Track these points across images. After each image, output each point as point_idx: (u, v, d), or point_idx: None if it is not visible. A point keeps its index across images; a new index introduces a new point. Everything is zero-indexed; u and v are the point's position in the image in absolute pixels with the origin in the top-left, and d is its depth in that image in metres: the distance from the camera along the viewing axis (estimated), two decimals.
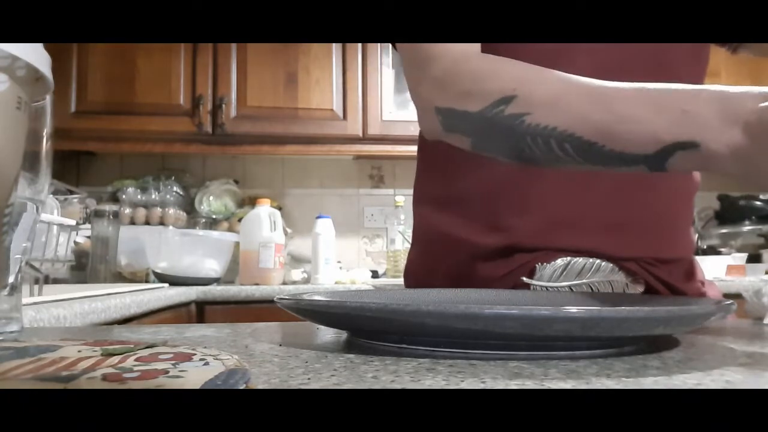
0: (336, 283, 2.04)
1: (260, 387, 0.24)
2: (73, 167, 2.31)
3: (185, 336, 0.41)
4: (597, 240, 0.58)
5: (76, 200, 1.82)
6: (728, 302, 0.36)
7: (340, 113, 2.16)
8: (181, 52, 2.10)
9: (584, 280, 0.57)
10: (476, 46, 0.51)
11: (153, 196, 2.18)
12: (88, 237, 1.80)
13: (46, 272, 0.86)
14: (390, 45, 2.24)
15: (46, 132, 0.41)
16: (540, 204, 0.59)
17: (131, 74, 2.08)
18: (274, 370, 0.28)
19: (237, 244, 2.00)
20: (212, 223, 2.26)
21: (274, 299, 0.40)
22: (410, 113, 2.21)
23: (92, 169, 2.34)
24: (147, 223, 2.12)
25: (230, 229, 2.18)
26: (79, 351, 0.27)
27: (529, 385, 0.25)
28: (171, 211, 2.15)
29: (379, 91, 2.19)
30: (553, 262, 0.58)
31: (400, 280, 2.18)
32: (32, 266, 0.83)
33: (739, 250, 2.30)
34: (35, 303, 0.79)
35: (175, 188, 2.24)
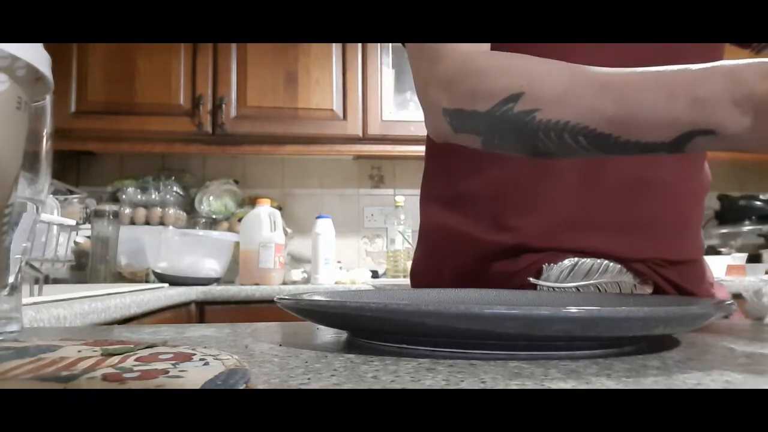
0: (336, 283, 2.04)
1: (260, 387, 0.24)
2: (73, 167, 2.31)
3: (185, 336, 0.41)
4: (605, 241, 0.58)
5: (76, 200, 1.82)
6: (728, 302, 0.36)
7: (340, 113, 2.16)
8: (181, 52, 2.10)
9: (592, 281, 0.57)
10: (485, 45, 0.51)
11: (153, 196, 2.18)
12: (88, 237, 1.80)
13: (46, 272, 0.86)
14: (390, 45, 2.24)
15: (46, 132, 0.41)
16: (548, 204, 0.59)
17: (131, 74, 2.08)
18: (274, 370, 0.28)
19: (237, 244, 2.00)
20: (212, 223, 2.26)
21: (274, 299, 0.40)
22: (410, 113, 2.21)
23: (92, 169, 2.34)
24: (147, 223, 2.12)
25: (230, 229, 2.18)
26: (79, 351, 0.27)
27: (529, 385, 0.25)
28: (171, 211, 2.15)
29: (379, 91, 2.19)
30: (560, 263, 0.57)
31: (400, 280, 2.17)
32: (32, 266, 0.83)
33: (739, 250, 2.30)
34: (35, 303, 0.79)
35: (175, 188, 2.24)
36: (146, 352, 0.27)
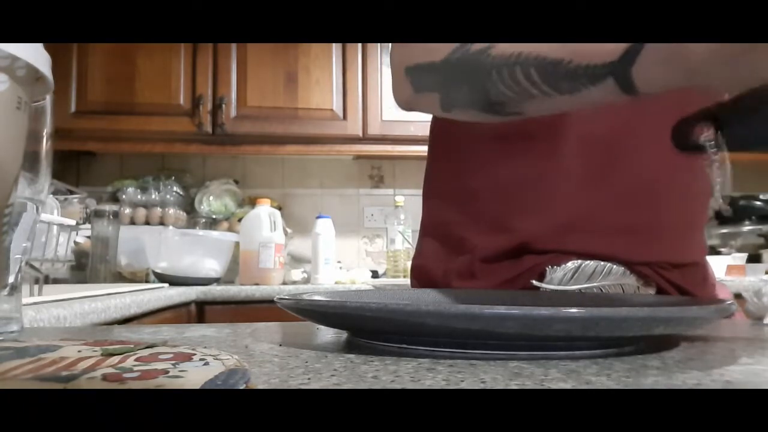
0: (336, 283, 2.04)
1: (260, 387, 0.24)
2: (73, 167, 2.31)
3: (185, 336, 0.41)
4: (609, 244, 0.57)
5: (76, 200, 1.82)
6: (728, 302, 0.36)
7: (340, 113, 2.16)
8: (181, 52, 2.10)
9: (595, 284, 0.56)
10: None
11: (153, 196, 2.18)
12: (88, 237, 1.80)
13: (46, 272, 0.86)
14: (390, 45, 2.23)
15: (46, 132, 0.41)
16: (552, 205, 0.58)
17: (131, 74, 2.08)
18: (274, 370, 0.28)
19: (237, 244, 2.00)
20: (212, 223, 2.26)
21: (274, 299, 0.40)
22: (410, 113, 2.21)
23: (92, 169, 2.34)
24: (147, 223, 2.12)
25: (230, 229, 2.18)
26: (79, 351, 0.27)
27: (529, 385, 0.25)
28: (171, 211, 2.15)
29: (379, 91, 2.19)
30: (563, 265, 0.57)
31: (400, 280, 2.17)
32: (32, 266, 0.83)
33: (739, 250, 2.30)
34: (35, 303, 0.79)
35: (175, 188, 2.24)
36: (146, 352, 0.27)
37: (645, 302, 0.47)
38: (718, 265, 2.07)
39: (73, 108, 2.03)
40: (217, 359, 0.25)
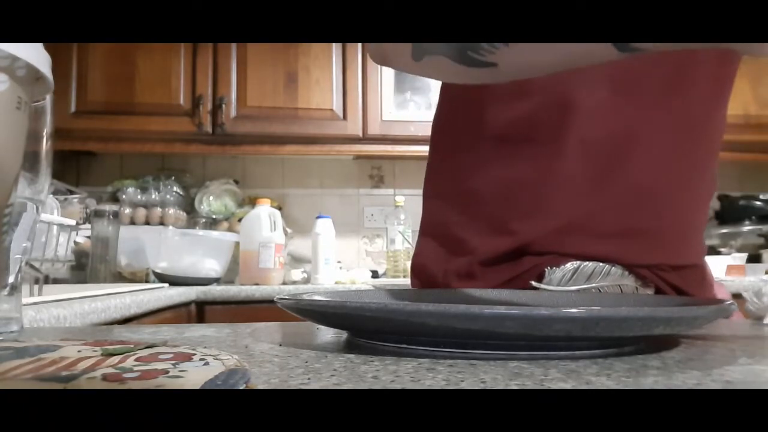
0: (336, 283, 2.04)
1: (260, 387, 0.24)
2: (73, 167, 2.31)
3: (185, 336, 0.41)
4: (609, 246, 0.57)
5: (76, 200, 1.82)
6: (728, 302, 0.36)
7: (340, 113, 2.16)
8: (181, 52, 2.10)
9: (593, 285, 0.56)
10: None
11: (153, 196, 2.18)
12: (88, 237, 1.80)
13: (46, 272, 0.86)
14: None
15: (46, 132, 0.41)
16: (552, 208, 0.58)
17: (131, 74, 2.08)
18: (274, 370, 0.28)
19: (237, 244, 2.00)
20: (212, 223, 2.26)
21: (274, 299, 0.40)
22: (410, 113, 2.21)
23: (92, 169, 2.34)
24: (147, 223, 2.12)
25: (230, 229, 2.18)
26: (79, 351, 0.27)
27: (529, 385, 0.25)
28: (171, 211, 2.15)
29: (379, 91, 2.19)
30: (562, 266, 0.57)
31: (400, 280, 2.18)
32: (32, 266, 0.83)
33: (739, 250, 2.30)
34: (35, 303, 0.79)
35: (175, 188, 2.24)
36: (146, 352, 0.27)
37: (645, 302, 0.47)
38: (718, 265, 2.07)
39: (73, 108, 2.03)
40: (217, 359, 0.25)
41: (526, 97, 0.59)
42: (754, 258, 2.31)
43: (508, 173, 0.60)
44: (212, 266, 1.92)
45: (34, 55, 0.32)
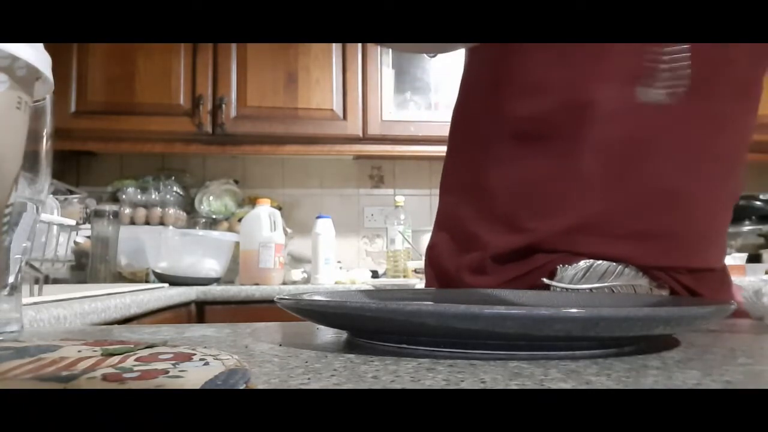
0: (336, 283, 2.04)
1: (260, 387, 0.24)
2: (73, 167, 2.31)
3: (185, 336, 0.41)
4: (624, 248, 0.56)
5: (76, 200, 1.82)
6: (728, 303, 0.36)
7: (340, 113, 2.16)
8: (181, 52, 2.10)
9: (606, 284, 0.56)
10: None
11: (153, 196, 2.18)
12: (88, 237, 1.80)
13: (46, 272, 0.86)
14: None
15: (46, 132, 0.41)
16: (567, 206, 0.57)
17: (131, 74, 2.08)
18: (274, 370, 0.28)
19: (237, 244, 2.00)
20: (212, 223, 2.26)
21: (274, 299, 0.40)
22: (410, 113, 2.21)
23: (92, 169, 2.34)
24: (147, 223, 2.12)
25: (230, 229, 2.18)
26: (79, 351, 0.27)
27: (529, 385, 0.25)
28: (171, 211, 2.15)
29: (379, 91, 2.19)
30: (575, 264, 0.56)
31: (400, 280, 2.17)
32: (32, 266, 0.83)
33: (739, 250, 2.30)
34: (35, 303, 0.79)
35: (175, 188, 2.24)
36: (146, 352, 0.27)
37: (645, 302, 0.47)
38: None
39: (73, 108, 2.03)
40: (217, 359, 0.25)
41: (545, 94, 0.58)
42: (754, 258, 2.30)
43: (524, 171, 0.59)
44: (212, 266, 1.92)
45: (34, 55, 0.32)
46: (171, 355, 0.26)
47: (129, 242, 1.86)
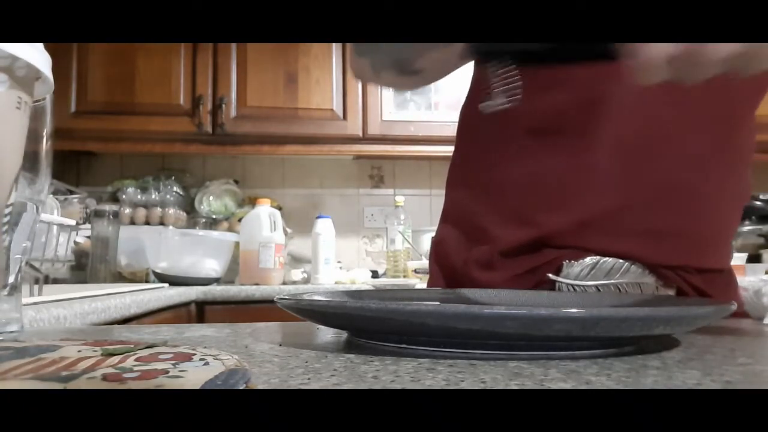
0: (336, 283, 2.04)
1: (260, 387, 0.24)
2: (73, 167, 2.31)
3: (185, 336, 0.41)
4: (632, 245, 0.56)
5: (76, 200, 1.82)
6: (728, 302, 0.36)
7: (340, 113, 2.16)
8: (181, 52, 2.10)
9: (612, 281, 0.56)
10: None
11: (153, 196, 2.18)
12: (88, 237, 1.80)
13: (46, 272, 0.86)
14: None
15: (46, 132, 0.41)
16: (576, 202, 0.57)
17: (131, 74, 2.08)
18: (274, 370, 0.28)
19: (237, 244, 2.00)
20: (212, 223, 2.26)
21: (274, 299, 0.40)
22: (410, 113, 2.21)
23: (92, 169, 2.34)
24: (147, 223, 2.12)
25: (230, 229, 2.18)
26: (79, 351, 0.27)
27: (529, 385, 0.25)
28: (171, 211, 2.15)
29: (379, 91, 2.19)
30: (581, 260, 0.56)
31: (400, 280, 2.17)
32: (32, 266, 0.83)
33: (739, 250, 2.30)
34: (35, 303, 0.79)
35: (175, 188, 2.24)
36: (146, 352, 0.27)
37: (645, 302, 0.47)
38: None
39: (73, 108, 2.03)
40: (217, 359, 0.25)
41: (559, 89, 0.58)
42: (754, 258, 2.30)
43: (536, 165, 0.59)
44: (212, 266, 1.92)
45: (34, 55, 0.32)
46: (171, 355, 0.26)
47: (129, 242, 1.86)
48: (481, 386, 0.25)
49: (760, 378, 0.27)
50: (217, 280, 1.95)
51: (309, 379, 0.26)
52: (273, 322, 0.51)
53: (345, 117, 2.16)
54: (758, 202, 2.23)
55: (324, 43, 2.16)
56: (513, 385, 0.25)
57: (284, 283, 1.99)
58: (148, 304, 1.23)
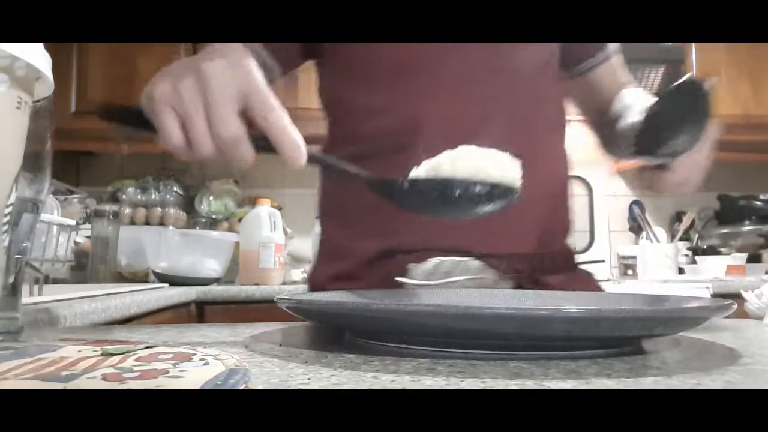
0: None
1: (260, 387, 0.24)
2: (73, 167, 2.31)
3: (185, 336, 0.41)
4: (466, 239, 0.63)
5: (76, 200, 1.82)
6: (728, 302, 0.36)
7: None
8: (181, 52, 2.10)
9: (453, 279, 0.62)
10: None
11: (153, 196, 2.18)
12: (88, 237, 1.80)
13: (46, 272, 0.86)
14: None
15: (46, 132, 0.41)
16: (408, 213, 0.62)
17: (131, 74, 2.07)
18: (274, 370, 0.28)
19: (237, 244, 1.99)
20: (212, 223, 2.26)
21: (274, 299, 0.40)
22: None
23: (92, 169, 2.34)
24: (147, 223, 2.12)
25: (230, 229, 2.18)
26: (79, 351, 0.27)
27: (529, 385, 0.25)
28: (171, 211, 2.15)
29: None
30: (424, 262, 0.63)
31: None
32: (32, 266, 0.83)
33: (739, 250, 2.30)
34: (35, 303, 0.79)
35: (175, 188, 2.24)
36: (146, 352, 0.27)
37: (645, 302, 0.47)
38: (718, 265, 2.07)
39: (73, 108, 2.03)
40: (217, 359, 0.25)
41: (376, 115, 0.67)
42: (754, 258, 2.30)
43: (360, 190, 0.63)
44: (212, 266, 1.91)
45: (34, 55, 0.32)
46: (171, 355, 0.26)
47: (129, 242, 1.85)
48: (481, 386, 0.25)
49: (760, 378, 0.28)
50: (217, 280, 1.95)
51: (309, 379, 0.26)
52: (273, 322, 0.51)
53: None
54: (758, 202, 2.24)
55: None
56: (513, 385, 0.25)
57: (284, 283, 1.99)
58: (148, 304, 1.23)
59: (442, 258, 0.63)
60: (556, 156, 0.72)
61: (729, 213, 2.27)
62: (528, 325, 0.29)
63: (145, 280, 1.85)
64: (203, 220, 2.26)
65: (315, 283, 0.76)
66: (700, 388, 0.25)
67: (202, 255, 1.89)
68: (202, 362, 0.24)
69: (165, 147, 0.41)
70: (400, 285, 0.63)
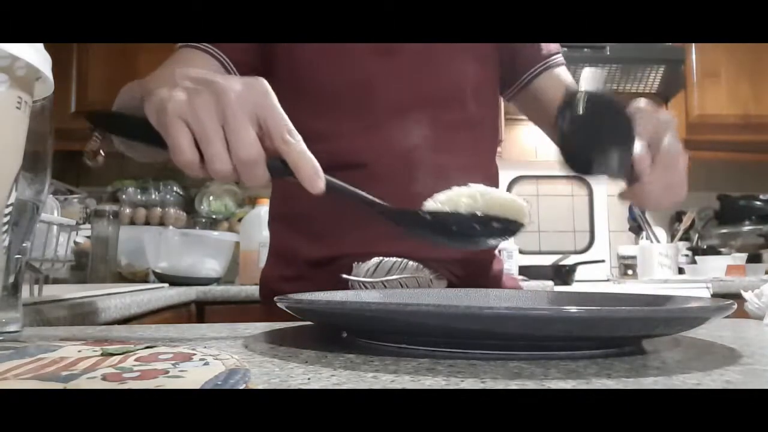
0: None
1: (260, 387, 0.24)
2: (73, 167, 2.31)
3: (185, 336, 0.41)
4: (406, 246, 0.67)
5: (76, 200, 1.82)
6: (728, 302, 0.36)
7: None
8: None
9: (394, 277, 0.67)
10: None
11: (153, 196, 2.18)
12: (88, 237, 1.80)
13: (46, 272, 0.86)
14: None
15: (46, 132, 0.41)
16: (360, 221, 0.63)
17: (131, 74, 2.07)
18: (274, 370, 0.28)
19: (237, 244, 1.99)
20: (212, 223, 2.26)
21: (275, 299, 0.40)
22: None
23: (92, 168, 2.34)
24: (147, 223, 2.12)
25: (230, 229, 2.18)
26: (79, 351, 0.27)
27: (529, 385, 0.25)
28: (171, 211, 2.15)
29: None
30: (367, 261, 0.68)
31: None
32: (32, 266, 0.83)
33: (739, 250, 2.30)
34: (35, 303, 0.79)
35: (175, 188, 2.24)
36: (146, 352, 0.27)
37: (644, 302, 0.47)
38: (718, 265, 2.07)
39: (73, 108, 2.03)
40: (217, 359, 0.25)
41: (322, 140, 0.69)
42: (754, 258, 2.30)
43: (312, 199, 0.64)
44: (212, 266, 1.91)
45: (34, 55, 0.32)
46: (171, 355, 0.26)
47: (129, 242, 1.85)
48: (481, 386, 0.25)
49: (760, 378, 0.28)
50: (217, 280, 1.95)
51: (309, 379, 0.26)
52: (273, 322, 0.51)
53: None
54: (758, 202, 2.23)
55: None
56: (513, 385, 0.25)
57: None
58: (148, 304, 1.23)
59: (384, 258, 0.69)
60: (489, 176, 0.77)
61: (729, 213, 2.27)
62: (528, 325, 0.29)
63: (145, 280, 1.85)
64: (203, 220, 2.26)
65: (264, 283, 0.81)
66: (700, 388, 0.25)
67: (202, 255, 1.89)
68: (202, 362, 0.24)
69: (174, 162, 0.40)
70: (346, 283, 0.67)
